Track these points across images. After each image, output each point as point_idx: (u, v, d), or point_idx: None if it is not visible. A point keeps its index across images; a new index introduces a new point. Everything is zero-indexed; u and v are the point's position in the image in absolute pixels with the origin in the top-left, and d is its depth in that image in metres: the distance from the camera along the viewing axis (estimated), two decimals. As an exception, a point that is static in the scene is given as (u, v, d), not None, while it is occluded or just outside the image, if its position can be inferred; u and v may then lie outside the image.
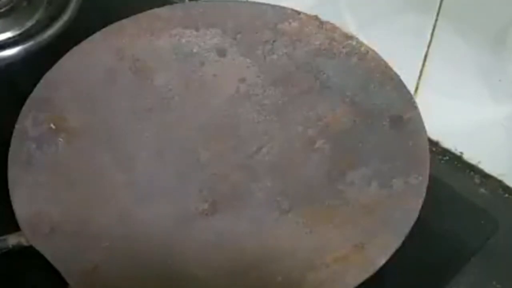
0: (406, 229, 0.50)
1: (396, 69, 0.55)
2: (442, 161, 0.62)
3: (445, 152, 0.63)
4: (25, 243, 0.50)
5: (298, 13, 0.57)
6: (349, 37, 0.57)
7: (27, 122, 0.54)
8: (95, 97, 0.56)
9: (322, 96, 0.57)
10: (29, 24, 0.64)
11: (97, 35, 0.57)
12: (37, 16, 0.65)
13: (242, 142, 0.56)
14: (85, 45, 0.57)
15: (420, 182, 0.52)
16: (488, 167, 0.61)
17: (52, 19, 0.65)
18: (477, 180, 0.61)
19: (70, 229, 0.52)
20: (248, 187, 0.55)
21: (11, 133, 0.54)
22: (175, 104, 0.57)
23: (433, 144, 0.62)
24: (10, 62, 0.62)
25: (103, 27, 0.57)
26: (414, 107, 0.55)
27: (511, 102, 0.58)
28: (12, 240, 0.50)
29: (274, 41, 0.57)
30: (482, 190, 0.61)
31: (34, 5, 0.66)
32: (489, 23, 0.56)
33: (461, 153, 0.62)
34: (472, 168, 0.62)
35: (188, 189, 0.55)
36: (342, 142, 0.55)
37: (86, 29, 0.58)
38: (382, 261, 0.49)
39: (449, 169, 0.62)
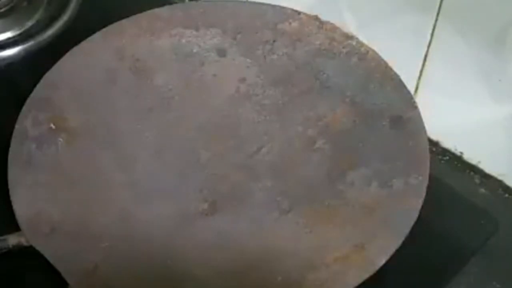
0: (406, 229, 0.50)
1: (396, 69, 0.55)
2: (442, 161, 0.62)
3: (445, 152, 0.63)
4: (25, 243, 0.50)
5: (298, 13, 0.57)
6: (349, 37, 0.57)
7: (27, 122, 0.54)
8: (95, 97, 0.56)
9: (322, 96, 0.57)
10: (29, 24, 0.64)
11: (97, 35, 0.57)
12: (37, 16, 0.65)
13: (242, 142, 0.56)
14: (85, 45, 0.57)
15: (420, 182, 0.52)
16: (488, 167, 0.61)
17: (52, 19, 0.65)
18: (477, 180, 0.61)
19: (70, 229, 0.51)
20: (248, 187, 0.55)
21: (11, 133, 0.54)
22: (175, 104, 0.57)
23: (433, 144, 0.62)
24: (10, 62, 0.62)
25: (103, 27, 0.57)
26: (414, 107, 0.55)
27: (511, 102, 0.58)
28: (12, 240, 0.50)
29: (274, 41, 0.57)
30: (482, 190, 0.61)
31: (34, 5, 0.66)
32: (489, 23, 0.56)
33: (461, 153, 0.62)
34: (472, 168, 0.62)
35: (188, 189, 0.55)
36: (342, 142, 0.55)
37: (86, 29, 0.58)
38: (382, 261, 0.49)
39: (449, 169, 0.62)
